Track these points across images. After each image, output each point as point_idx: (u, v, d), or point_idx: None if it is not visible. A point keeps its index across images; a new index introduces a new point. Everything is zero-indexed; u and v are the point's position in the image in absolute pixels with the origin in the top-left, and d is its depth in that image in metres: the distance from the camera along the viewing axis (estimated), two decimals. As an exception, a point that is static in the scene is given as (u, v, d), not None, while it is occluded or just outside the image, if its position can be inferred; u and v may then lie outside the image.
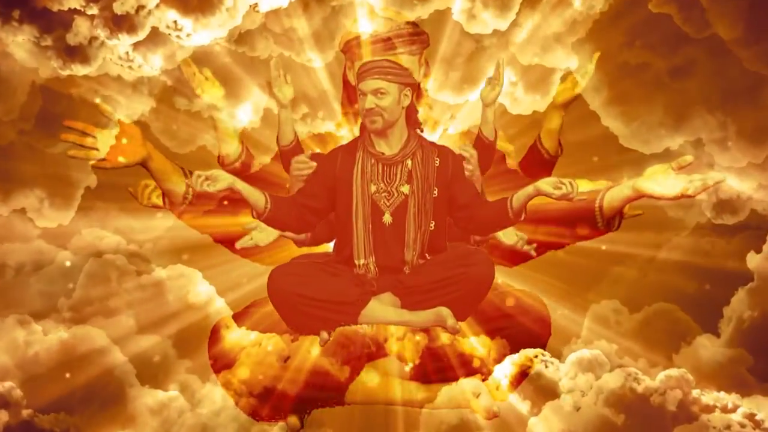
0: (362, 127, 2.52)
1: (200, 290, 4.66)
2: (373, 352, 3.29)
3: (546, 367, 3.99)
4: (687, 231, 5.16)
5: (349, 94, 3.50)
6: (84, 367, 4.13)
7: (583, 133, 4.50)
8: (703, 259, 5.08)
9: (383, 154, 2.43)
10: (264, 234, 3.15)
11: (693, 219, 5.10)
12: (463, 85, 4.24)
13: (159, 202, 3.63)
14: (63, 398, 4.03)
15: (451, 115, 4.17)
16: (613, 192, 2.98)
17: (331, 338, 2.60)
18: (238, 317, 3.71)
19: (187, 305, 4.58)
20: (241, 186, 2.41)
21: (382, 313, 2.58)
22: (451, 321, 2.48)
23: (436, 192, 2.46)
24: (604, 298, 5.11)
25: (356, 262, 2.53)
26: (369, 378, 3.35)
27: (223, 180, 2.41)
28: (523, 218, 2.49)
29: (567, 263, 4.77)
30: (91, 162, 3.16)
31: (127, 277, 4.66)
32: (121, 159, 3.12)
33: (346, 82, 3.49)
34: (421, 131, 2.57)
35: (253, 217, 2.56)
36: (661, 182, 2.82)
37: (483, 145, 2.83)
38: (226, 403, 4.02)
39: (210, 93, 3.66)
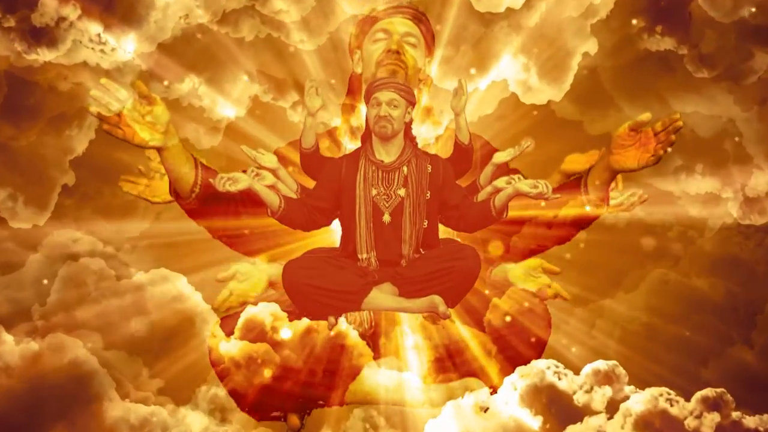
0: (364, 139, 2.87)
1: (185, 296, 4.46)
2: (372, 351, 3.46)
3: (559, 379, 3.90)
4: (712, 232, 4.86)
5: (353, 87, 3.64)
6: (57, 381, 3.90)
7: (606, 124, 4.22)
8: (731, 263, 4.79)
9: (383, 161, 2.77)
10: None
11: (718, 219, 4.81)
12: (472, 72, 4.12)
13: (151, 199, 3.70)
14: (32, 416, 3.81)
15: None
16: (593, 178, 3.19)
17: (337, 323, 2.92)
18: (226, 323, 3.77)
19: (171, 312, 4.39)
20: (259, 187, 2.73)
21: (382, 300, 2.86)
22: (442, 308, 2.79)
23: (428, 195, 2.80)
24: (621, 306, 4.86)
25: (359, 256, 2.85)
26: (369, 378, 3.50)
27: (244, 181, 2.70)
28: (505, 216, 2.81)
29: (579, 266, 4.59)
30: (105, 127, 3.01)
31: (106, 282, 4.45)
32: (136, 139, 3.02)
33: (351, 74, 3.68)
34: (416, 145, 2.90)
35: (269, 216, 2.83)
36: (633, 156, 3.04)
37: (460, 150, 3.08)
38: (213, 418, 4.08)
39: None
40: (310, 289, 2.78)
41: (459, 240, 3.28)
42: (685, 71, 4.33)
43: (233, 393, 3.65)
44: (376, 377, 3.54)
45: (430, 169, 2.79)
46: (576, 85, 4.33)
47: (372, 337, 3.56)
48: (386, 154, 2.77)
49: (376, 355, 3.59)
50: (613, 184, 3.60)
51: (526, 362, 3.77)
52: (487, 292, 3.41)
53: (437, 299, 2.80)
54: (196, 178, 3.15)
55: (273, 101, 4.29)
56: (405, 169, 2.77)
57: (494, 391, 3.82)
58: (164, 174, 3.51)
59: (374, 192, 2.77)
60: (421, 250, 2.87)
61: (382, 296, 2.85)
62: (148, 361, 4.32)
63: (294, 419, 3.54)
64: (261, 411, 3.59)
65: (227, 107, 4.14)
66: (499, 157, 3.14)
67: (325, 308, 2.84)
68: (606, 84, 4.52)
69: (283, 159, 3.51)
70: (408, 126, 2.82)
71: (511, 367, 3.73)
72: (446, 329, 3.75)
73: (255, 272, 3.62)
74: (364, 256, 2.84)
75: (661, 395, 3.36)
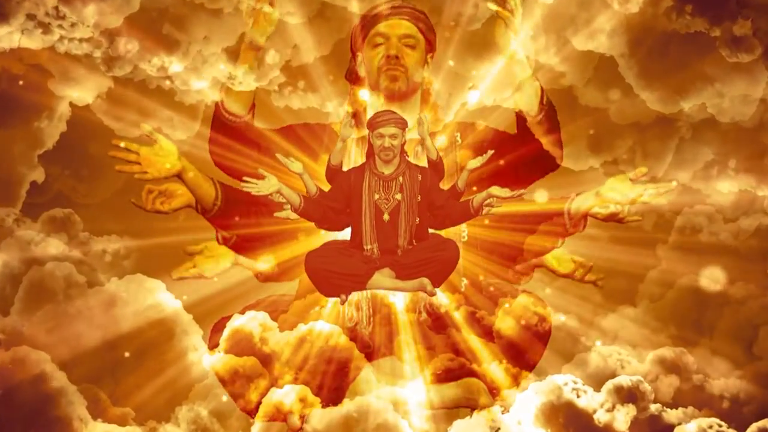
0: (368, 154, 3.53)
1: (163, 304, 4.30)
2: (371, 352, 4.00)
3: (578, 396, 3.85)
4: (747, 234, 4.58)
5: (354, 77, 4.07)
6: (21, 399, 3.78)
7: (633, 113, 4.08)
8: (768, 267, 4.53)
9: (383, 173, 3.47)
10: (209, 262, 4.12)
11: (754, 219, 4.56)
12: (484, 54, 4.05)
13: (163, 208, 4.02)
14: (-6, 436, 3.67)
15: (471, 86, 4.14)
16: (579, 199, 3.98)
17: (347, 299, 3.61)
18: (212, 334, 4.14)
19: (148, 322, 4.23)
20: (286, 190, 3.39)
21: (382, 282, 3.55)
22: (429, 287, 3.49)
23: (419, 198, 3.48)
24: (646, 316, 4.58)
25: (365, 247, 3.51)
26: (369, 378, 3.95)
27: (273, 186, 3.36)
28: (481, 214, 3.50)
29: (600, 272, 4.36)
30: (136, 175, 3.83)
31: (75, 290, 4.26)
32: (160, 172, 3.86)
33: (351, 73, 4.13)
34: (407, 159, 3.58)
35: (292, 211, 3.52)
36: (619, 191, 3.83)
37: (431, 163, 3.70)
38: (196, 438, 4.03)
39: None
40: (326, 273, 3.48)
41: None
42: (717, 55, 4.09)
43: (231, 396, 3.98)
44: (375, 379, 3.93)
45: (420, 178, 3.48)
46: (600, 68, 4.21)
47: (372, 340, 4.01)
48: (386, 168, 3.46)
49: (376, 357, 3.99)
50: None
51: (529, 364, 4.06)
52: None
53: (425, 280, 3.49)
54: (216, 192, 4.04)
55: (256, 83, 4.04)
56: (401, 178, 3.44)
57: (506, 410, 3.94)
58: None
59: (376, 197, 3.45)
60: (413, 242, 3.53)
61: (382, 278, 3.52)
62: (123, 376, 4.16)
63: (294, 418, 3.81)
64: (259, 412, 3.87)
65: (203, 90, 3.94)
66: (472, 164, 3.65)
67: (338, 288, 3.53)
68: (624, 73, 4.30)
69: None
70: (403, 147, 3.48)
71: (512, 365, 4.02)
72: (451, 338, 4.07)
73: (221, 251, 4.17)
74: (368, 247, 3.49)
75: (710, 427, 2.95)
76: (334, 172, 3.70)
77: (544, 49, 3.97)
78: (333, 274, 3.49)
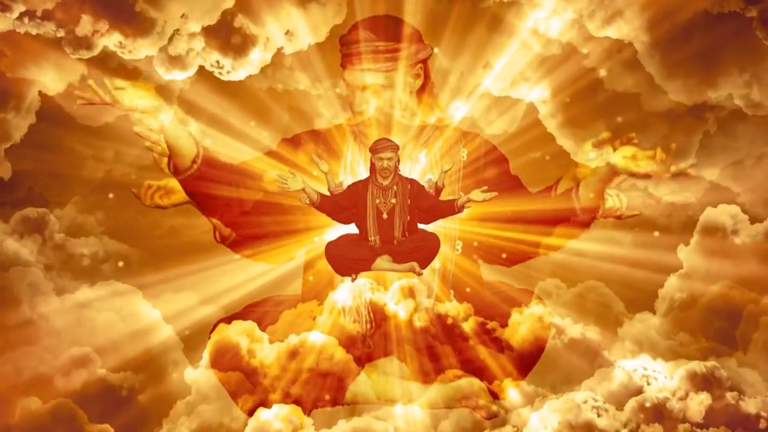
0: (371, 169, 4.33)
1: (141, 315, 4.27)
2: (371, 352, 4.33)
3: (598, 415, 3.75)
4: None
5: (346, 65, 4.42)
6: None
7: (665, 99, 3.84)
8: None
9: (382, 184, 4.34)
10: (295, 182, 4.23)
11: None
12: (501, 36, 4.01)
13: (162, 202, 4.21)
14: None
15: (486, 64, 4.22)
16: (586, 181, 4.37)
17: (357, 277, 4.38)
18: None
19: (124, 334, 4.17)
20: (309, 189, 4.19)
21: (383, 264, 4.33)
22: (417, 269, 4.33)
23: (409, 201, 4.38)
24: (674, 327, 4.36)
25: (369, 238, 4.36)
26: (367, 393, 4.17)
27: (299, 183, 4.13)
28: (461, 211, 4.28)
29: (620, 276, 4.37)
30: (148, 143, 3.94)
31: (43, 298, 4.15)
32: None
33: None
34: (400, 173, 4.41)
35: (308, 203, 4.22)
36: (635, 160, 4.01)
37: (436, 188, 4.44)
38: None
39: (135, 97, 3.78)
40: (341, 258, 4.32)
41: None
42: (753, 37, 3.94)
43: None
44: (376, 376, 4.19)
45: (409, 187, 4.34)
46: (628, 51, 4.03)
47: (372, 348, 4.28)
48: (384, 180, 4.32)
49: (376, 369, 4.18)
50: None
51: (528, 363, 4.20)
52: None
53: (414, 264, 4.30)
54: (198, 150, 4.24)
55: (235, 61, 3.81)
56: (395, 187, 4.30)
57: (519, 430, 3.91)
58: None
59: (377, 201, 4.31)
60: (406, 234, 4.37)
61: (382, 262, 4.30)
62: (96, 394, 4.04)
63: (293, 418, 4.02)
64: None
65: (172, 68, 3.67)
66: (476, 196, 4.16)
67: (349, 269, 4.35)
68: (643, 61, 4.10)
69: (280, 157, 4.45)
70: (396, 164, 4.35)
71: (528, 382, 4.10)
72: (457, 349, 4.19)
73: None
74: (372, 238, 4.30)
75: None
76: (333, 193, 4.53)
77: (567, 29, 3.79)
78: (346, 259, 4.33)
